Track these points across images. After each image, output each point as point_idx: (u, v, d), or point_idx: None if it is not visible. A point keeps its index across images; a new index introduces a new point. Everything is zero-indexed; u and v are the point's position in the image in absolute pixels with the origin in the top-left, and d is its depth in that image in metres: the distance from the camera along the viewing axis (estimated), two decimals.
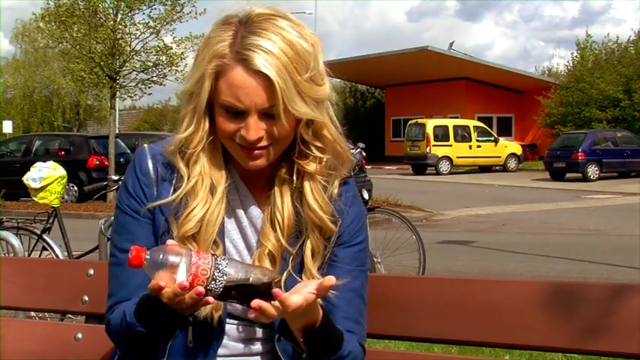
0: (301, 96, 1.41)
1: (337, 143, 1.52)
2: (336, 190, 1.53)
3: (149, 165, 1.53)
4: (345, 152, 1.54)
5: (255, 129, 1.41)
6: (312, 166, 1.50)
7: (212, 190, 1.48)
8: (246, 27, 1.42)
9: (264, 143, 1.44)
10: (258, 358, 1.53)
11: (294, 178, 1.52)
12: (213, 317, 1.46)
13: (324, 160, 1.51)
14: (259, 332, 1.53)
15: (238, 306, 1.47)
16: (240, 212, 1.53)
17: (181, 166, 1.50)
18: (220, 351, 1.50)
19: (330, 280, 1.32)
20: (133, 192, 1.52)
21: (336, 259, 1.53)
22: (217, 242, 1.48)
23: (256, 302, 1.28)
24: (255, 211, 1.54)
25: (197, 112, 1.47)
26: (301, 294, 1.31)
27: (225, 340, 1.51)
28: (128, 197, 1.53)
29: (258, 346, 1.53)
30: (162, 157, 1.53)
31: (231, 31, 1.43)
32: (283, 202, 1.51)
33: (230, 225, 1.53)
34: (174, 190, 1.50)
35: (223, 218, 1.50)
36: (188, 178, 1.49)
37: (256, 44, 1.39)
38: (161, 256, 1.29)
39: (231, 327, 1.52)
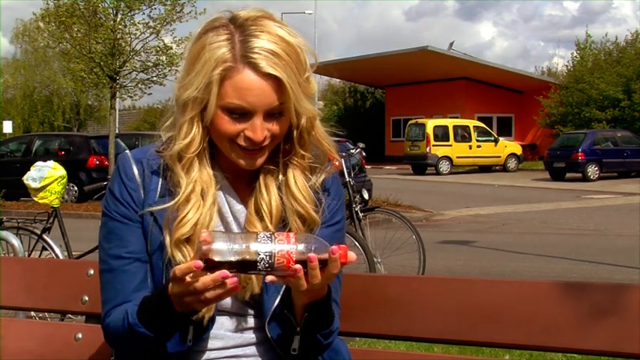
0: (304, 94, 1.47)
1: (323, 138, 1.57)
2: (319, 183, 1.57)
3: (134, 170, 1.55)
4: (330, 147, 1.58)
5: (261, 129, 1.46)
6: (298, 162, 1.55)
7: (203, 193, 1.51)
8: (242, 30, 1.46)
9: (266, 142, 1.48)
10: (253, 347, 1.55)
11: (278, 170, 1.56)
12: (204, 317, 1.47)
13: (308, 155, 1.56)
14: (251, 322, 1.56)
15: (229, 300, 1.52)
16: (225, 209, 1.56)
17: (180, 172, 1.51)
18: (216, 344, 1.53)
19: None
20: (120, 198, 1.53)
21: None
22: None
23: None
24: (237, 206, 1.57)
25: (199, 119, 1.49)
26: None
27: (220, 332, 1.53)
28: (116, 203, 1.54)
29: (251, 336, 1.56)
30: (147, 161, 1.55)
31: (225, 34, 1.46)
32: (269, 192, 1.54)
33: (217, 223, 1.55)
34: (163, 193, 1.52)
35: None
36: (185, 185, 1.50)
37: (260, 47, 1.43)
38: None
39: (225, 319, 1.54)
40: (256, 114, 1.45)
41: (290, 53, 1.44)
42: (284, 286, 1.51)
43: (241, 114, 1.45)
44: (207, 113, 1.47)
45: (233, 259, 1.28)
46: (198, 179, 1.51)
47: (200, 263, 1.27)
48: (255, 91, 1.43)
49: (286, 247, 1.30)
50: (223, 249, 1.28)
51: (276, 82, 1.43)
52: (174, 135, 1.52)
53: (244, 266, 1.29)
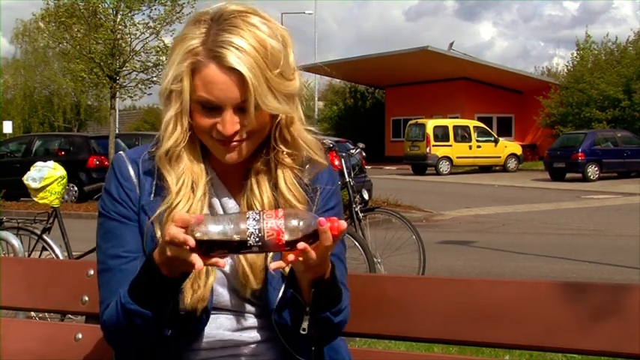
0: (272, 92, 1.44)
1: (301, 138, 1.54)
2: (310, 180, 1.56)
3: (130, 170, 1.55)
4: (309, 148, 1.56)
5: (230, 123, 1.45)
6: (284, 159, 1.54)
7: (193, 186, 1.51)
8: (218, 24, 1.45)
9: (239, 137, 1.47)
10: (253, 347, 1.54)
11: (270, 169, 1.55)
12: (197, 309, 1.46)
13: (295, 154, 1.54)
14: (251, 321, 1.55)
15: (228, 297, 1.52)
16: (217, 205, 1.56)
17: (169, 167, 1.51)
18: (215, 344, 1.52)
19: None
20: (118, 197, 1.54)
21: None
22: None
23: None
24: (230, 203, 1.57)
25: (181, 113, 1.48)
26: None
27: (219, 332, 1.53)
28: (114, 203, 1.54)
29: (251, 335, 1.55)
30: (141, 160, 1.56)
31: (204, 28, 1.46)
32: (261, 190, 1.54)
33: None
34: (157, 193, 1.52)
35: None
36: (174, 178, 1.50)
37: (228, 41, 1.42)
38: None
39: (224, 319, 1.54)
40: (225, 108, 1.44)
41: (258, 48, 1.42)
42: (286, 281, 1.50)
43: (212, 108, 1.45)
44: (185, 107, 1.47)
45: (224, 238, 1.29)
46: (188, 170, 1.51)
47: (193, 242, 1.27)
48: (220, 85, 1.43)
49: (275, 222, 1.31)
50: (214, 231, 1.29)
51: (239, 76, 1.42)
52: (161, 133, 1.52)
53: (236, 245, 1.31)
